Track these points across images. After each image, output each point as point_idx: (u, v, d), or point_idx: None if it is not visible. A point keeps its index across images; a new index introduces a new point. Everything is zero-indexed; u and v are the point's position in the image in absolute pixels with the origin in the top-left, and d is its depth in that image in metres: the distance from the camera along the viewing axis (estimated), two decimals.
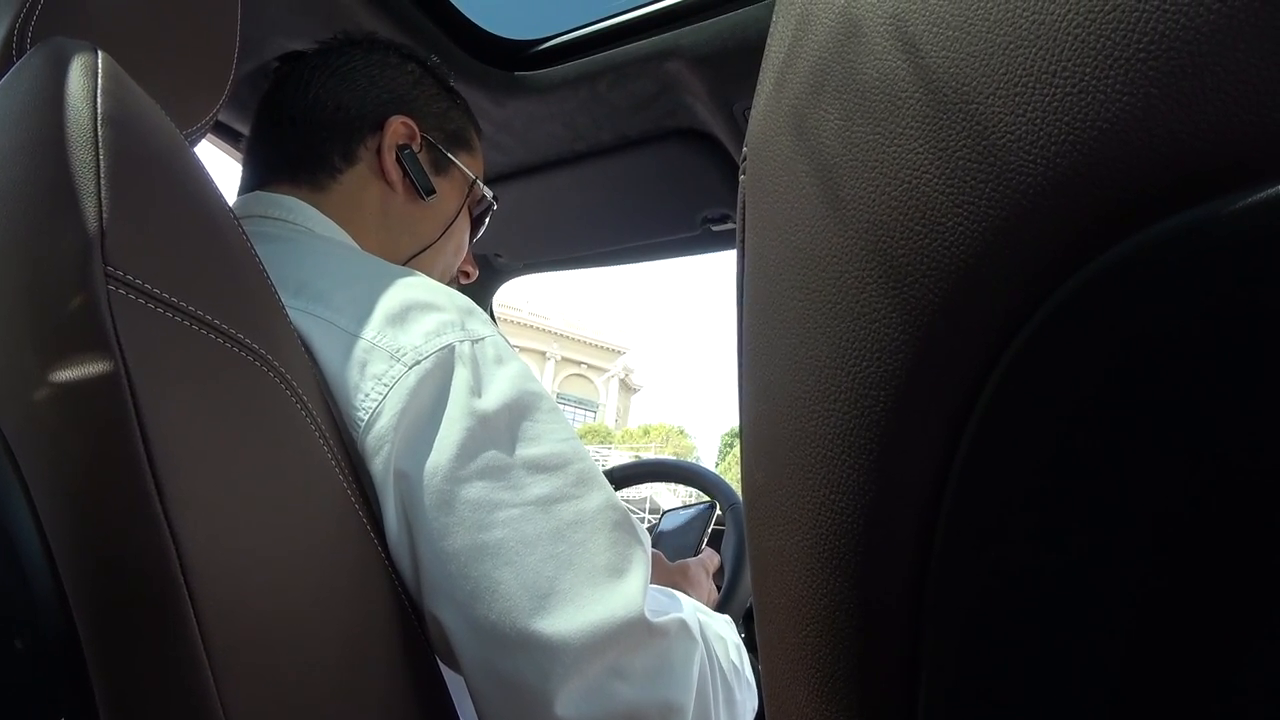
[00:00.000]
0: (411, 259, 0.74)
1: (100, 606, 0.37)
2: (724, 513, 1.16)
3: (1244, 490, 0.15)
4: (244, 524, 0.40)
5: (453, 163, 0.76)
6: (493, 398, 0.51)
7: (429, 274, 0.75)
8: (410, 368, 0.49)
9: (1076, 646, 0.18)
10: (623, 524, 0.53)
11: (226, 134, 1.11)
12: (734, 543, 1.08)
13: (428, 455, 0.48)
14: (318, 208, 0.66)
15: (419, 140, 0.73)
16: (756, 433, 0.26)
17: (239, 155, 1.12)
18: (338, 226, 0.67)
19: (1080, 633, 0.18)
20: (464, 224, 0.80)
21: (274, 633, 0.41)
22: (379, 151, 0.70)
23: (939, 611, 0.20)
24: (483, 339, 0.53)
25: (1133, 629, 0.17)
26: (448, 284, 0.80)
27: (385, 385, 0.49)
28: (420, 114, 0.74)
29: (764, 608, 0.26)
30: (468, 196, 0.79)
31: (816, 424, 0.22)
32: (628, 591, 0.50)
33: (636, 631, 0.50)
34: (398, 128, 0.71)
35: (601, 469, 0.58)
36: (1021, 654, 0.19)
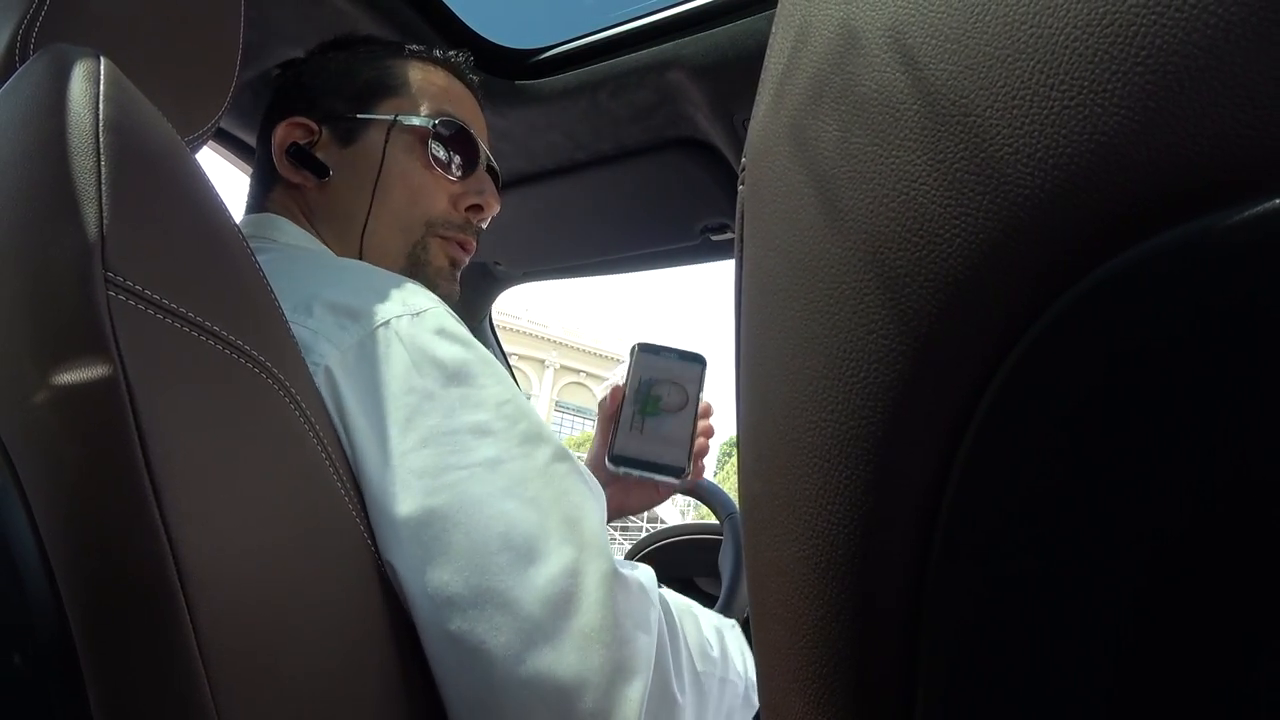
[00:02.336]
0: (364, 234, 0.71)
1: (96, 613, 0.37)
2: (721, 522, 1.16)
3: (1243, 499, 0.15)
4: (242, 532, 0.40)
5: (366, 121, 0.72)
6: (433, 367, 0.51)
7: (389, 241, 0.72)
8: (346, 351, 0.50)
9: (1073, 657, 0.18)
10: (571, 475, 0.53)
11: (228, 141, 1.11)
12: (731, 552, 1.08)
13: (373, 431, 0.49)
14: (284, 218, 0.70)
15: (317, 128, 0.71)
16: (754, 442, 0.26)
17: (241, 162, 1.12)
18: (305, 233, 0.69)
19: (1077, 643, 0.17)
20: (405, 167, 0.72)
21: (270, 641, 0.40)
22: (275, 162, 0.71)
23: (936, 621, 0.20)
24: (422, 312, 0.54)
25: (1131, 639, 0.17)
26: (440, 236, 0.74)
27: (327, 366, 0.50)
28: (313, 98, 0.73)
29: (761, 617, 0.26)
30: (386, 141, 0.71)
31: (814, 433, 0.22)
32: (580, 544, 0.50)
33: (589, 585, 0.49)
34: (282, 135, 0.71)
35: None
36: (1018, 664, 0.19)
